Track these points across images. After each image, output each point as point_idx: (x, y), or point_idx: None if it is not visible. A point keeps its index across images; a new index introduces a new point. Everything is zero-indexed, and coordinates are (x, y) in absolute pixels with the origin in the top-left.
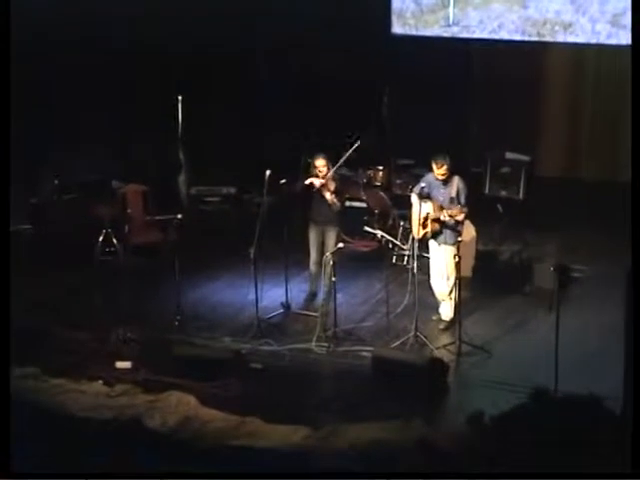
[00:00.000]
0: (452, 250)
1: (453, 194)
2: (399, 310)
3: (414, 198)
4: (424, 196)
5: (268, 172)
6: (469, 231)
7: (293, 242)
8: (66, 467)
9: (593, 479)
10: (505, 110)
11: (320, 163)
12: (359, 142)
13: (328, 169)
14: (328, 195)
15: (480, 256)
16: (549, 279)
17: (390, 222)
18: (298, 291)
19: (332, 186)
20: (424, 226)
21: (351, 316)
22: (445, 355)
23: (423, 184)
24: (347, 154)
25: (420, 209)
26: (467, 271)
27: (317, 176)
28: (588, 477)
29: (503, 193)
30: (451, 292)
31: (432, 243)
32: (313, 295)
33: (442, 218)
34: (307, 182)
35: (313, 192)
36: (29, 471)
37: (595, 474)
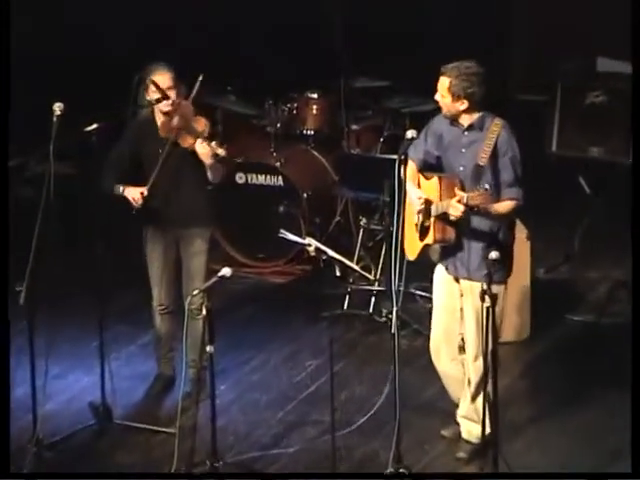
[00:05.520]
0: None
1: (481, 159)
2: (358, 420)
3: (410, 167)
4: (430, 164)
5: (58, 106)
6: (519, 237)
7: (117, 266)
8: None
9: (593, 479)
10: None
11: (163, 81)
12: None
13: (179, 92)
14: (203, 148)
15: (541, 293)
16: None
17: (337, 218)
18: (128, 377)
19: (201, 126)
20: (423, 231)
21: (250, 433)
22: None
23: (423, 136)
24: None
25: (417, 193)
26: (513, 330)
27: (165, 113)
28: (588, 477)
29: (593, 151)
30: (482, 382)
31: (439, 272)
32: (163, 385)
33: (451, 212)
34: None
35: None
36: None
37: (595, 474)
